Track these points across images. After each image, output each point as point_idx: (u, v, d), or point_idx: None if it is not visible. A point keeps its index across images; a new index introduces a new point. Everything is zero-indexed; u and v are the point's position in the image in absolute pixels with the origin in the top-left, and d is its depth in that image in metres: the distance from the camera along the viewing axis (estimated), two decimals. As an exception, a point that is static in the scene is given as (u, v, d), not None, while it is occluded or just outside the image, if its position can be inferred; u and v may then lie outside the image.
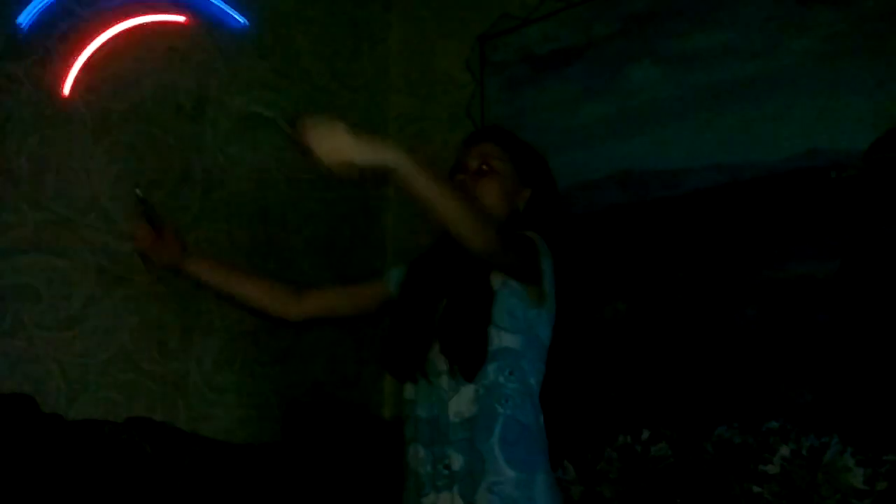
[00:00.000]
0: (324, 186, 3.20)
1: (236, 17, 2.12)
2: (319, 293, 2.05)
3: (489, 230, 1.61)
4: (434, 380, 1.74)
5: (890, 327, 2.24)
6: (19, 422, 2.23)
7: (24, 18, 2.15)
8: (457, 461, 1.69)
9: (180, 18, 2.12)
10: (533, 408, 1.74)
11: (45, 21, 2.52)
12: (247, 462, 2.59)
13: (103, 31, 2.41)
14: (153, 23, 2.80)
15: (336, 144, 1.49)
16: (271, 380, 2.99)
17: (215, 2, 2.09)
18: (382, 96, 3.57)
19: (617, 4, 2.98)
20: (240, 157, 3.00)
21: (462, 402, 1.70)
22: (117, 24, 2.25)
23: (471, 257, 1.66)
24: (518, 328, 1.73)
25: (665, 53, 2.84)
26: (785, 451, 2.21)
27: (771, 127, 2.59)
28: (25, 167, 2.49)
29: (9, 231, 2.43)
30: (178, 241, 1.96)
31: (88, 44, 2.55)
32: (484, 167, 1.87)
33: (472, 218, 1.58)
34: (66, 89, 2.50)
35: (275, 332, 3.01)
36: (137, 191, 1.92)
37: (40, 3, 2.20)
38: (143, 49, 2.78)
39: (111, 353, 2.60)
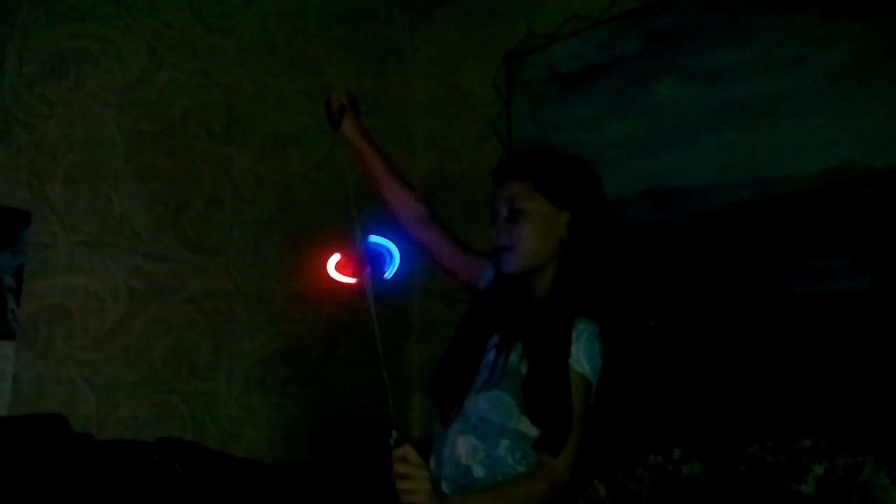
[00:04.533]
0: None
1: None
2: (441, 233, 2.03)
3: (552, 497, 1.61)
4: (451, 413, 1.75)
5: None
6: (51, 442, 2.24)
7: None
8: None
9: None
10: None
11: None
12: (276, 481, 2.59)
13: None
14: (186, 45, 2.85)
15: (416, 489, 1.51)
16: (300, 400, 3.00)
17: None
18: (409, 116, 3.59)
19: (642, 22, 2.98)
20: (268, 177, 3.03)
21: (464, 447, 1.70)
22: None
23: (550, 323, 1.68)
24: None
25: (691, 70, 2.83)
26: (819, 470, 2.18)
27: (800, 142, 2.57)
28: (58, 189, 2.52)
29: (41, 252, 2.46)
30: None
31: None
32: (513, 210, 1.77)
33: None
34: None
35: (303, 352, 3.03)
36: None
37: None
38: (173, 71, 2.82)
39: (142, 373, 2.62)
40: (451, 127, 3.50)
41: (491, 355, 1.74)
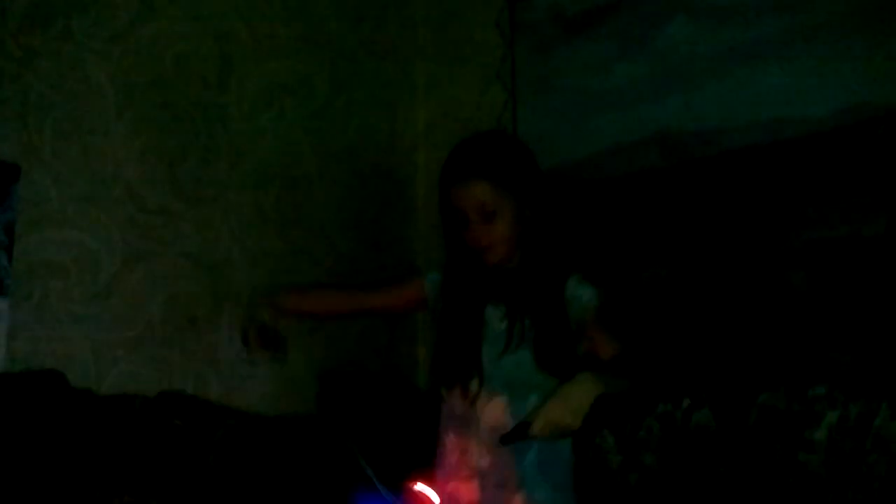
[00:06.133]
0: (352, 156, 3.16)
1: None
2: (370, 297, 2.29)
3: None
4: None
5: (942, 287, 2.16)
6: (49, 397, 2.22)
7: None
8: (483, 459, 1.92)
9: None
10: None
11: None
12: (280, 434, 2.57)
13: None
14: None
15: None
16: (304, 351, 2.95)
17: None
18: (410, 62, 3.50)
19: (650, -40, 2.89)
20: (266, 126, 2.96)
21: (495, 410, 1.90)
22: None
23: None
24: None
25: (700, 8, 2.75)
26: (832, 417, 2.13)
27: (813, 82, 2.49)
28: (48, 142, 2.47)
29: (33, 207, 2.42)
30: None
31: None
32: (487, 212, 1.94)
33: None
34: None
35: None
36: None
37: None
38: (164, 19, 2.74)
39: (140, 327, 2.59)
40: (453, 72, 3.42)
41: (502, 325, 1.95)
